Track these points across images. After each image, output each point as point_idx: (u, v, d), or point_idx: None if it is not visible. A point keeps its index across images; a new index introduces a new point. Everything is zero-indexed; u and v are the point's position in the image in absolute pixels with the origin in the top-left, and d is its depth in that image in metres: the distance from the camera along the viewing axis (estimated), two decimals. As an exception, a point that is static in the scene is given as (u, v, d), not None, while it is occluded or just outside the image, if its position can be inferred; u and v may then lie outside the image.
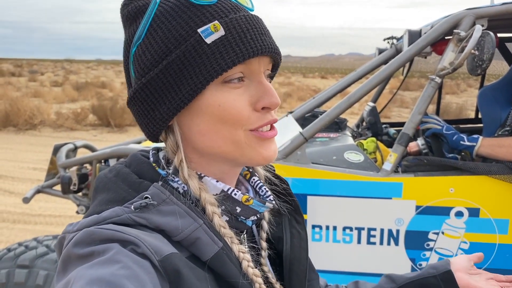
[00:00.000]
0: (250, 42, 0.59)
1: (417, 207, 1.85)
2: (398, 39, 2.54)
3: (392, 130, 2.76)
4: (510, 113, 2.57)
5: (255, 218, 0.68)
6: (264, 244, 0.72)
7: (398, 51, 2.45)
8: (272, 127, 0.66)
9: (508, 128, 2.22)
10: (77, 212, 2.38)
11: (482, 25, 1.81)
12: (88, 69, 58.22)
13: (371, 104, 2.87)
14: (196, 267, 0.56)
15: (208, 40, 0.58)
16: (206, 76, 0.58)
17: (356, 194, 1.87)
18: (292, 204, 0.78)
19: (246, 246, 0.69)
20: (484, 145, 1.86)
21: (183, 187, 0.63)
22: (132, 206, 0.57)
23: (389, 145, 2.42)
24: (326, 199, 1.87)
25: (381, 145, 2.24)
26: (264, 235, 0.72)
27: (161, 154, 0.67)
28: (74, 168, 2.42)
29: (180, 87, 0.59)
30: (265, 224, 0.73)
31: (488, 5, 1.91)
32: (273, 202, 0.70)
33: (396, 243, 1.88)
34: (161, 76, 0.59)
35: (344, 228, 1.90)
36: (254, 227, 0.74)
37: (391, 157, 1.87)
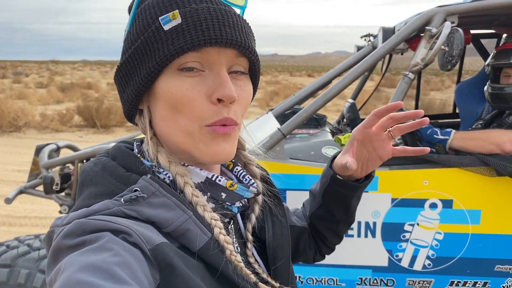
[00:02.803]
0: (205, 30, 0.59)
1: (393, 200, 1.90)
2: (374, 37, 2.59)
3: (371, 126, 2.81)
4: (485, 107, 2.65)
5: (241, 204, 0.69)
6: (250, 236, 0.73)
7: (374, 48, 2.50)
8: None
9: (481, 122, 2.29)
10: (60, 212, 2.39)
11: (453, 22, 1.87)
12: (73, 70, 57.61)
13: (351, 101, 2.92)
14: (187, 256, 0.57)
15: (166, 27, 0.60)
16: (158, 61, 0.60)
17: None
18: (272, 192, 0.79)
19: (234, 237, 0.70)
20: (456, 138, 1.92)
21: (169, 177, 0.64)
22: (122, 199, 0.57)
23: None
24: (305, 194, 1.91)
25: (359, 140, 2.28)
26: (250, 228, 0.73)
27: (145, 146, 0.68)
28: (57, 168, 2.42)
29: (140, 71, 0.62)
30: (253, 217, 0.74)
31: (459, 3, 1.97)
32: (257, 188, 0.71)
33: (373, 235, 1.93)
34: (129, 60, 0.64)
35: (323, 222, 1.95)
36: (240, 219, 0.74)
37: (367, 151, 1.91)
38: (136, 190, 0.58)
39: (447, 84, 26.78)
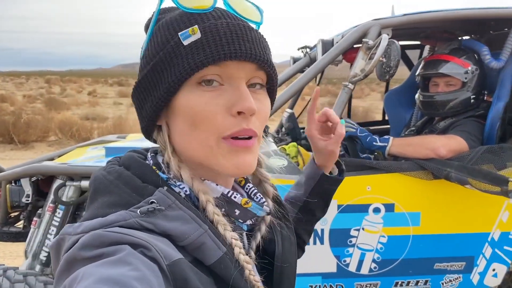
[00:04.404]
0: (225, 45, 0.60)
1: (339, 206, 1.95)
2: (311, 48, 2.67)
3: (310, 135, 2.88)
4: (413, 114, 2.82)
5: (251, 222, 0.69)
6: (253, 254, 0.72)
7: (312, 60, 2.57)
8: (250, 138, 0.64)
9: (413, 128, 2.43)
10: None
11: (388, 34, 1.97)
12: (-17, 82, 53.36)
13: (289, 110, 2.96)
14: (199, 272, 0.57)
15: (185, 42, 0.61)
16: (178, 76, 0.61)
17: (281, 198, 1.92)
18: (282, 210, 0.80)
19: None
20: (394, 144, 2.02)
21: (185, 191, 0.64)
22: (139, 211, 0.57)
23: (308, 148, 2.52)
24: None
25: (302, 149, 2.33)
26: (254, 246, 0.72)
27: (159, 158, 0.68)
28: (-21, 190, 2.21)
29: (159, 86, 0.63)
30: (258, 236, 0.73)
31: (392, 16, 2.08)
32: (269, 207, 0.71)
33: (322, 242, 1.97)
34: (147, 76, 0.64)
35: (272, 232, 1.95)
36: (245, 237, 0.73)
37: (313, 160, 1.95)
38: (152, 202, 0.58)
39: (366, 92, 28.36)
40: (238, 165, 0.63)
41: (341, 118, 2.15)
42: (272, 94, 0.71)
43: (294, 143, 2.34)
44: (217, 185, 0.66)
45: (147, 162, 0.68)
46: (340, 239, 1.98)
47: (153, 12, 0.67)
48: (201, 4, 0.63)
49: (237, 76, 0.62)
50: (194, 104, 0.61)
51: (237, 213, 0.67)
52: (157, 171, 0.66)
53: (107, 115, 13.62)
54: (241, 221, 0.68)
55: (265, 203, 0.72)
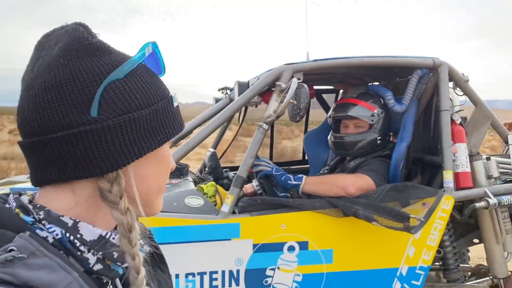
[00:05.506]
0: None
1: (254, 246, 1.95)
2: (231, 90, 2.73)
3: (231, 174, 2.90)
4: (330, 153, 2.94)
5: (126, 265, 0.66)
6: None
7: (231, 100, 2.62)
8: None
9: (327, 167, 2.53)
10: None
11: (299, 78, 2.07)
12: None
13: (212, 150, 2.98)
14: None
15: (174, 104, 0.71)
16: (172, 131, 0.69)
17: (196, 238, 1.90)
18: (156, 254, 0.78)
19: None
20: (307, 183, 2.08)
21: (56, 234, 0.59)
22: None
23: (227, 188, 2.54)
24: (166, 247, 1.86)
25: (220, 189, 2.33)
26: None
27: (24, 199, 0.62)
28: None
29: (155, 134, 0.65)
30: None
31: (303, 61, 2.20)
32: (145, 248, 0.70)
33: (237, 284, 1.95)
34: (142, 120, 0.63)
35: (187, 275, 1.90)
36: (119, 284, 0.69)
37: (228, 199, 1.96)
38: (12, 250, 0.52)
39: (296, 133, 29.29)
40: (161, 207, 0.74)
41: (257, 157, 2.21)
42: None
43: (213, 183, 2.34)
44: (93, 226, 0.63)
45: (7, 205, 0.62)
46: (256, 280, 1.97)
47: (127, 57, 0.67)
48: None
49: None
50: (169, 154, 0.73)
51: (115, 256, 0.64)
52: (21, 215, 0.60)
53: (27, 155, 12.86)
54: (119, 264, 0.65)
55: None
